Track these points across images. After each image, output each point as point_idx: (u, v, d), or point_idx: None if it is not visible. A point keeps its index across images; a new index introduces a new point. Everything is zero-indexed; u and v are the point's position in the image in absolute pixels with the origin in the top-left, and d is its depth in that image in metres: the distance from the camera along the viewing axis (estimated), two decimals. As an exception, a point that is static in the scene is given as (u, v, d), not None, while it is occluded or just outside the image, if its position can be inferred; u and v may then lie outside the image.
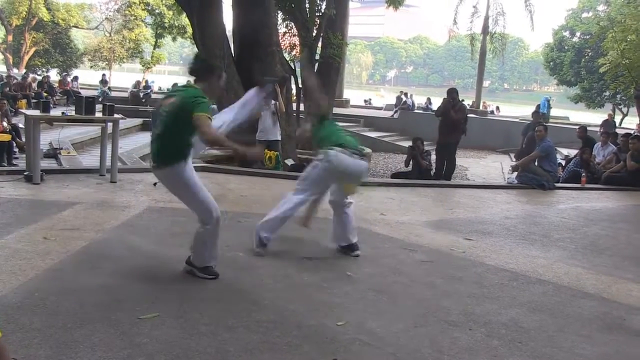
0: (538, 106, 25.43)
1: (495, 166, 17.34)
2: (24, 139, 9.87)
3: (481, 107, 32.38)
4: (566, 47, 35.36)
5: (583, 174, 10.85)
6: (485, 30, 32.51)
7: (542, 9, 56.32)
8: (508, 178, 11.12)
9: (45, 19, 35.36)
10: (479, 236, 6.37)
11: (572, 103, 38.20)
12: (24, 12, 34.80)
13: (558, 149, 14.45)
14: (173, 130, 4.09)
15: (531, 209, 8.42)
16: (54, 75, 33.39)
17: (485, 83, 62.03)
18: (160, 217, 6.17)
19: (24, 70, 31.56)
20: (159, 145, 4.19)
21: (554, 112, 38.58)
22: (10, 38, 35.79)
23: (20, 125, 11.67)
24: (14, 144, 11.10)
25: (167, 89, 28.50)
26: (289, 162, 10.92)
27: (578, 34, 35.31)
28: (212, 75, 4.31)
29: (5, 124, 11.48)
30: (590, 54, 32.46)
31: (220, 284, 4.27)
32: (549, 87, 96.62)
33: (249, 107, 4.93)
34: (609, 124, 20.58)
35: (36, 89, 22.07)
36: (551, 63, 36.49)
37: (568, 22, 36.18)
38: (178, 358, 3.12)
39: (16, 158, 10.79)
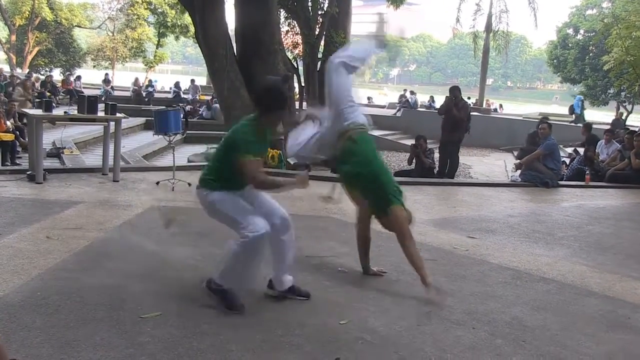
0: (572, 107, 25.34)
1: (499, 164, 17.29)
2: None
3: (484, 105, 32.30)
4: (570, 45, 35.21)
5: (587, 172, 10.80)
6: (488, 28, 32.40)
7: (545, 6, 56.19)
8: (511, 176, 11.07)
9: (48, 19, 35.39)
10: (482, 234, 6.35)
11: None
12: (27, 12, 34.83)
13: (561, 146, 14.38)
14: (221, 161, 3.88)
15: (535, 207, 8.39)
16: (57, 74, 33.42)
17: (488, 81, 61.96)
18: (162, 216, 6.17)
19: (27, 70, 31.59)
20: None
21: (557, 109, 38.42)
22: (13, 38, 35.82)
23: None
24: (17, 144, 11.13)
25: (170, 88, 28.60)
26: (292, 160, 10.89)
27: (582, 31, 35.16)
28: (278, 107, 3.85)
29: (8, 123, 11.50)
30: (594, 51, 32.33)
31: (222, 283, 4.25)
32: (552, 85, 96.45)
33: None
34: (619, 123, 20.52)
35: (39, 88, 22.10)
36: (555, 61, 36.34)
37: (572, 20, 36.04)
38: (180, 357, 3.12)
39: (19, 157, 10.81)
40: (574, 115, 24.59)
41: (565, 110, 40.67)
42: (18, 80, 21.59)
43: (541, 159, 10.18)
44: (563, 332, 3.82)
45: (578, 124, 20.51)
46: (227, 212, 3.89)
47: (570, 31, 36.12)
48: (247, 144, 3.72)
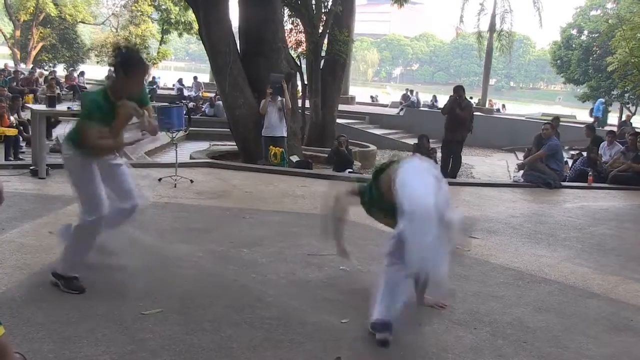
0: (592, 110, 25.14)
1: (501, 164, 17.29)
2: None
3: (487, 105, 32.30)
4: (574, 46, 35.15)
5: (590, 173, 10.78)
6: (492, 28, 32.41)
7: (549, 6, 56.15)
8: (514, 176, 11.06)
9: (52, 15, 35.43)
10: (484, 235, 6.33)
11: (579, 102, 37.98)
12: (32, 8, 34.89)
13: (566, 147, 14.37)
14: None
15: (537, 207, 8.37)
16: (60, 70, 33.47)
17: (492, 81, 61.81)
18: (164, 212, 6.17)
19: (31, 66, 31.63)
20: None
21: (560, 110, 38.33)
22: (18, 33, 35.89)
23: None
24: (21, 139, 11.13)
25: (173, 85, 28.61)
26: (294, 158, 10.90)
27: (586, 32, 35.09)
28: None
29: (12, 118, 11.51)
30: (598, 52, 32.26)
31: (224, 281, 4.26)
32: (555, 85, 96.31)
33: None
34: (625, 124, 20.46)
35: (43, 84, 22.11)
36: (558, 61, 36.28)
37: (576, 20, 35.97)
38: (181, 354, 3.11)
39: (22, 152, 10.81)
40: (593, 118, 24.33)
41: (568, 110, 40.59)
42: (22, 76, 21.62)
43: (544, 159, 10.18)
44: (565, 334, 3.81)
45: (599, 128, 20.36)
46: (76, 183, 3.89)
47: (574, 32, 36.05)
48: (91, 110, 3.73)
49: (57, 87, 16.13)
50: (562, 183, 10.25)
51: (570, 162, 13.13)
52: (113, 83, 3.82)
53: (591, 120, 24.57)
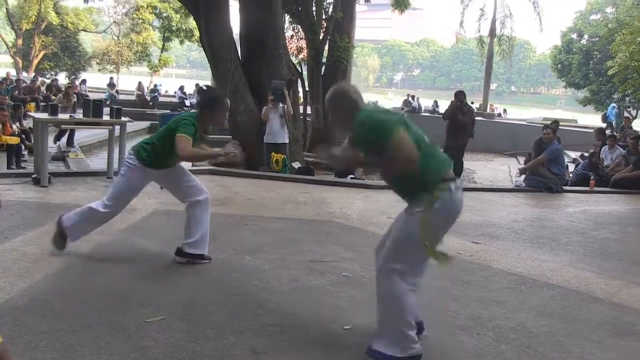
0: (604, 115, 24.98)
1: (503, 169, 17.26)
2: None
3: (488, 110, 32.31)
4: (574, 50, 35.19)
5: (592, 177, 10.78)
6: (492, 33, 32.46)
7: (549, 11, 56.23)
8: (516, 181, 11.07)
9: (54, 23, 35.58)
10: (486, 239, 6.33)
11: (580, 106, 37.98)
12: (34, 17, 35.05)
13: (566, 151, 14.36)
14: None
15: (539, 212, 8.38)
16: (62, 78, 33.57)
17: (492, 86, 61.88)
18: (166, 220, 6.18)
19: (33, 74, 31.73)
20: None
21: (561, 114, 38.29)
22: (20, 42, 36.04)
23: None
24: (23, 147, 11.16)
25: (175, 92, 28.68)
26: (296, 165, 10.91)
27: (586, 36, 35.14)
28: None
29: (14, 126, 11.54)
30: (598, 56, 32.28)
31: (226, 288, 4.26)
32: (556, 89, 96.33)
33: None
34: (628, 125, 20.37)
35: (45, 92, 22.18)
36: (559, 65, 36.32)
37: (576, 25, 36.03)
38: (184, 362, 3.11)
39: (25, 161, 10.83)
40: (606, 124, 24.16)
41: (569, 114, 40.55)
42: (24, 84, 21.69)
43: (545, 164, 10.18)
44: (568, 339, 3.81)
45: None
46: (123, 184, 4.78)
47: (574, 36, 36.11)
48: (184, 123, 4.43)
49: (74, 96, 16.15)
50: (563, 187, 10.25)
51: (572, 166, 13.12)
52: (202, 116, 4.55)
53: (604, 125, 24.53)
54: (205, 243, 4.76)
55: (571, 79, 35.13)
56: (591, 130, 19.21)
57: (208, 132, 4.72)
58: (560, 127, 13.95)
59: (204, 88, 4.84)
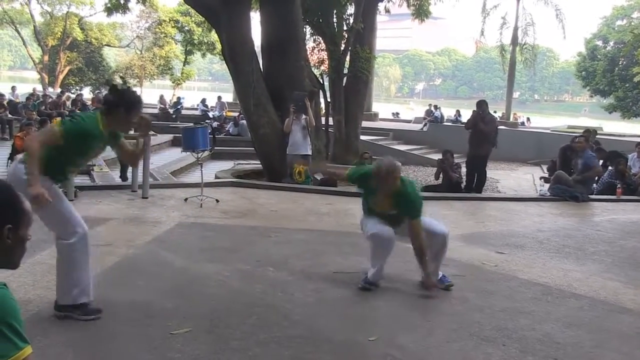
0: None
1: (527, 178, 17.09)
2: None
3: (511, 119, 32.07)
4: (599, 56, 34.82)
5: (618, 186, 10.62)
6: (514, 41, 32.27)
7: (572, 18, 55.76)
8: (540, 190, 10.94)
9: (79, 39, 36.23)
10: (511, 249, 6.27)
11: (606, 113, 37.52)
12: (60, 33, 35.73)
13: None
14: None
15: (565, 221, 8.26)
16: (87, 93, 34.08)
17: (515, 94, 61.37)
18: (190, 232, 6.23)
19: (59, 89, 32.28)
20: None
21: (586, 122, 37.72)
22: (46, 58, 36.76)
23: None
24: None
25: (197, 105, 28.92)
26: (319, 176, 10.92)
27: (611, 42, 34.75)
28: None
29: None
30: (624, 62, 31.91)
31: (251, 299, 4.27)
32: (581, 97, 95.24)
33: None
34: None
35: (70, 106, 22.53)
36: (583, 72, 35.96)
37: (601, 31, 35.68)
38: (210, 373, 3.13)
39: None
40: None
41: (595, 122, 39.98)
42: (50, 99, 22.07)
43: (578, 173, 10.00)
44: (597, 350, 3.74)
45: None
46: (59, 208, 3.78)
47: (599, 42, 35.74)
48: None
49: (83, 108, 16.40)
50: (589, 196, 10.11)
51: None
52: (112, 117, 3.90)
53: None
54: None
55: (596, 85, 34.72)
56: (617, 138, 18.94)
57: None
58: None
59: (119, 87, 4.16)
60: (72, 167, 4.06)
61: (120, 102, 3.89)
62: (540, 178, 11.21)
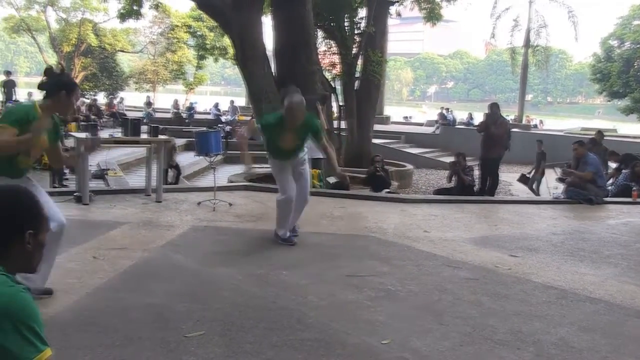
0: None
1: (540, 181, 17.00)
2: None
3: (524, 121, 31.93)
4: (614, 57, 34.51)
5: (634, 188, 10.51)
6: (527, 43, 32.14)
7: (586, 20, 55.43)
8: (553, 193, 10.86)
9: (93, 45, 36.52)
10: (524, 253, 6.24)
11: (621, 115, 37.17)
12: (74, 39, 36.06)
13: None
14: None
15: (579, 224, 8.20)
16: (101, 98, 34.36)
17: (528, 97, 61.12)
18: (204, 236, 6.26)
19: (74, 95, 32.53)
20: None
21: (599, 124, 37.39)
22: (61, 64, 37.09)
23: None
24: (65, 166, 11.45)
25: (210, 109, 29.06)
26: (331, 179, 10.93)
27: (627, 43, 34.40)
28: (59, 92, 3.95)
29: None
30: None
31: (264, 303, 4.29)
32: (594, 99, 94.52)
33: None
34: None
35: (85, 112, 22.74)
36: (598, 74, 35.65)
37: (616, 31, 35.36)
38: (224, 376, 3.15)
39: (66, 179, 11.11)
40: None
41: (609, 124, 39.64)
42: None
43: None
44: (613, 355, 3.71)
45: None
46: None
47: (614, 43, 35.43)
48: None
49: (97, 113, 16.50)
50: (604, 199, 10.02)
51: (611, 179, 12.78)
52: (53, 101, 3.94)
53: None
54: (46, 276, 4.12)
55: (611, 87, 34.41)
56: (633, 140, 18.77)
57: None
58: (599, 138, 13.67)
59: (56, 71, 4.14)
60: (20, 158, 3.91)
61: (61, 85, 3.96)
62: (557, 179, 11.14)
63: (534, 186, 15.37)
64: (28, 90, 27.83)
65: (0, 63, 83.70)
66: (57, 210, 4.10)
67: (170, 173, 12.45)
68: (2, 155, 3.76)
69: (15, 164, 3.91)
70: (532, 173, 15.57)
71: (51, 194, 8.07)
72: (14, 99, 20.92)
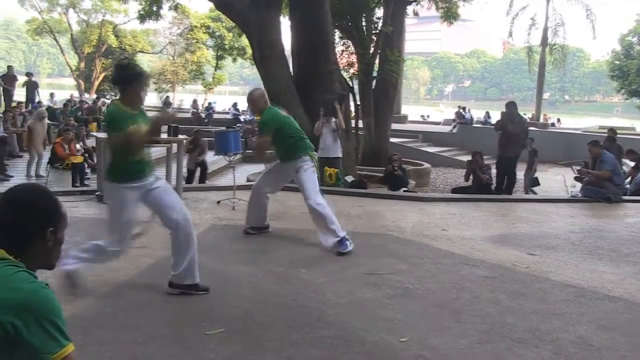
0: None
1: (558, 179, 16.86)
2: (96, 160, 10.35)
3: (542, 120, 31.69)
4: (633, 54, 34.09)
5: (653, 186, 10.43)
6: (544, 42, 31.87)
7: (604, 17, 54.73)
8: (571, 191, 10.79)
9: (113, 46, 36.99)
10: (542, 251, 6.22)
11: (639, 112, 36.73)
12: (95, 40, 36.55)
13: (624, 160, 13.92)
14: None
15: (597, 222, 8.14)
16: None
17: (545, 95, 60.51)
18: (223, 234, 6.33)
19: (95, 95, 32.94)
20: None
21: (617, 122, 36.92)
22: (82, 65, 37.59)
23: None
24: (86, 165, 11.63)
25: (228, 109, 29.19)
26: (349, 178, 10.96)
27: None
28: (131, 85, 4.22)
29: (78, 146, 12.02)
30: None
31: (284, 300, 4.34)
32: (612, 97, 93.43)
33: None
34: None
35: (105, 111, 22.95)
36: (617, 71, 35.24)
37: (636, 28, 34.92)
38: (244, 372, 3.19)
39: (88, 178, 11.26)
40: None
41: (627, 122, 39.14)
42: (86, 105, 22.56)
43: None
44: (634, 354, 3.69)
45: None
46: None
47: (634, 39, 35.00)
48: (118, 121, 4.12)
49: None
50: (622, 197, 9.93)
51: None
52: (129, 93, 4.21)
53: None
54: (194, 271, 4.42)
55: (630, 86, 34.00)
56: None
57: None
58: (619, 136, 13.56)
59: (124, 64, 4.55)
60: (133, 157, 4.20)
61: (132, 78, 4.20)
62: (575, 178, 11.06)
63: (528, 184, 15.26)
64: (50, 92, 28.19)
65: (23, 64, 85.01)
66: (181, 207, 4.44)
67: (197, 173, 12.62)
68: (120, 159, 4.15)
69: (133, 164, 4.19)
70: (525, 171, 15.45)
71: (73, 193, 8.25)
72: (37, 100, 21.19)
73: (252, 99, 6.05)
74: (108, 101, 26.74)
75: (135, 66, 4.54)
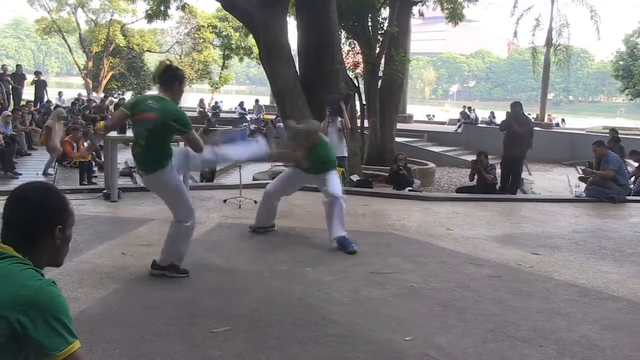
0: None
1: (562, 179, 16.87)
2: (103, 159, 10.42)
3: (546, 120, 31.65)
4: (638, 55, 33.96)
5: (658, 187, 10.41)
6: (548, 42, 31.83)
7: (608, 17, 54.58)
8: (575, 191, 10.79)
9: (121, 45, 37.11)
10: (546, 251, 6.24)
11: (644, 113, 36.56)
12: (103, 40, 36.71)
13: (628, 161, 13.90)
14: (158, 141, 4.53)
15: (601, 222, 8.14)
16: (129, 97, 34.80)
17: (550, 95, 60.32)
18: (230, 232, 6.36)
19: (102, 94, 33.06)
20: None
21: (621, 122, 36.83)
22: (90, 64, 37.76)
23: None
24: (93, 164, 11.69)
25: (235, 108, 29.25)
26: (355, 177, 10.98)
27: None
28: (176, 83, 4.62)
29: (85, 144, 12.08)
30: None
31: (289, 299, 4.37)
32: (616, 97, 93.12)
33: (251, 151, 5.87)
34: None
35: (113, 111, 23.02)
36: (621, 72, 35.12)
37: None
38: (250, 370, 3.22)
39: (95, 177, 11.32)
40: None
41: (631, 122, 39.01)
42: (94, 104, 22.64)
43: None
44: (637, 354, 3.70)
45: None
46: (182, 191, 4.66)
47: (638, 40, 34.87)
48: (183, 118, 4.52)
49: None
50: (626, 197, 9.92)
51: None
52: (172, 92, 4.59)
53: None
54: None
55: (634, 86, 33.88)
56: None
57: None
58: (623, 136, 13.52)
59: (170, 64, 4.81)
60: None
61: (174, 77, 4.62)
62: (579, 178, 11.06)
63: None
64: (59, 90, 28.31)
65: (32, 63, 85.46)
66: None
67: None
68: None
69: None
70: None
71: (80, 191, 8.31)
72: (46, 99, 21.29)
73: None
74: (116, 100, 26.85)
75: (178, 67, 4.97)
